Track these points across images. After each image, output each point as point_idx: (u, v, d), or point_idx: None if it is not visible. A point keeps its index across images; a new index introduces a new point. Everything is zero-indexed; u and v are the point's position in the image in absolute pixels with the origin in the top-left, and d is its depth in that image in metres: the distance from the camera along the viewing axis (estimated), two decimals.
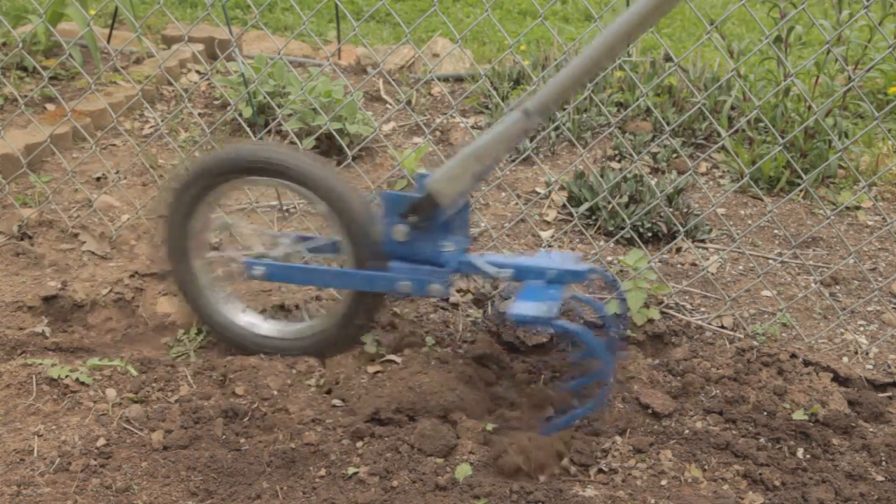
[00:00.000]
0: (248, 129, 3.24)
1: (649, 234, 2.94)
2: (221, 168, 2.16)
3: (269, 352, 2.28)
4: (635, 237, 2.83)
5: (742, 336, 2.50)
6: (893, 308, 2.69)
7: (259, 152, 2.14)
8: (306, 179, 2.11)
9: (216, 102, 3.77)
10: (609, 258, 2.84)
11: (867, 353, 2.47)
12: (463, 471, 1.88)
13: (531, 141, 3.44)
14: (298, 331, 2.31)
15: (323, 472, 1.89)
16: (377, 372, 2.18)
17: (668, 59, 3.86)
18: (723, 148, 3.45)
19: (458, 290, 2.61)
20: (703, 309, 2.63)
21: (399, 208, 2.06)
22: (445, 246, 2.10)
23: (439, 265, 2.10)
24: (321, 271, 2.21)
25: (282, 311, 2.49)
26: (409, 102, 3.81)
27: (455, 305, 2.56)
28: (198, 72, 4.00)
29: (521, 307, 1.91)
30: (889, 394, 2.31)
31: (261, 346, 2.30)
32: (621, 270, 2.70)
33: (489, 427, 2.01)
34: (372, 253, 2.12)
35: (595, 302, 2.18)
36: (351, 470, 1.90)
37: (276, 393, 2.12)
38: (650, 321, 2.51)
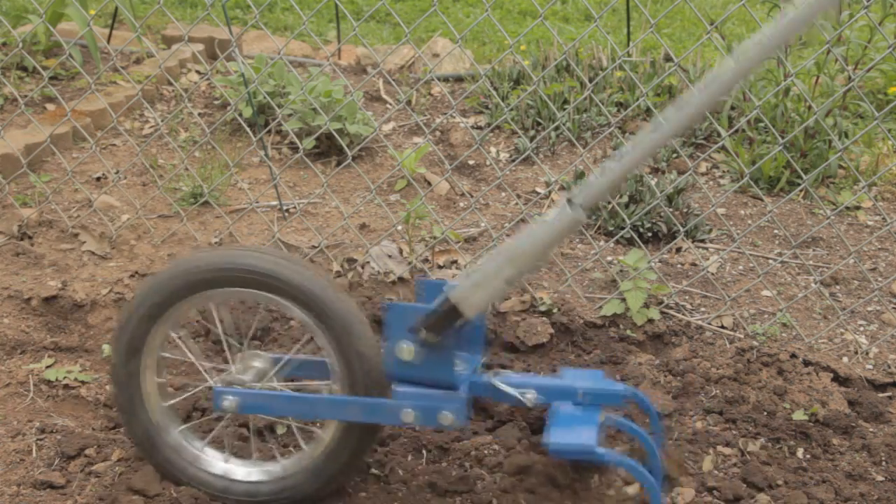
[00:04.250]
0: (248, 129, 3.24)
1: (649, 234, 2.94)
2: (174, 287, 1.77)
3: (225, 498, 1.86)
4: (635, 237, 2.83)
5: (742, 336, 2.50)
6: (893, 308, 2.69)
7: (217, 260, 1.75)
8: (282, 287, 1.74)
9: (216, 102, 3.77)
10: (609, 258, 2.84)
11: (867, 353, 2.47)
12: None
13: (531, 141, 3.44)
14: (266, 472, 1.88)
15: None
16: None
17: (668, 59, 3.86)
18: (723, 148, 3.45)
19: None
20: (703, 309, 2.63)
21: (408, 321, 1.70)
22: (457, 364, 1.76)
23: (451, 388, 1.74)
24: (308, 400, 1.80)
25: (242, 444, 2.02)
26: (409, 102, 3.81)
27: None
28: (198, 72, 4.00)
29: (559, 435, 1.66)
30: (889, 394, 2.31)
31: (214, 489, 1.86)
32: (621, 270, 2.70)
33: None
34: (371, 377, 1.76)
35: (632, 427, 1.82)
36: None
37: None
38: (650, 321, 2.51)
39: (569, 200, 1.60)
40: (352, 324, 1.74)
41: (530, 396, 1.76)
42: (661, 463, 1.80)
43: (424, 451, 2.03)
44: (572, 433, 1.67)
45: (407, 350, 1.71)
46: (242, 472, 1.86)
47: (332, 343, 1.75)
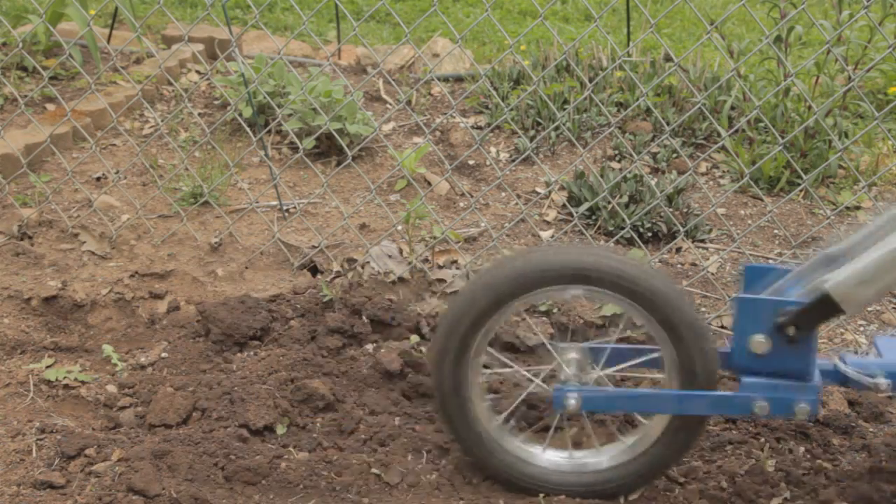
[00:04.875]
0: (248, 129, 3.24)
1: (649, 234, 2.94)
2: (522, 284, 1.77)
3: (544, 490, 1.87)
4: (635, 237, 2.83)
5: None
6: (893, 308, 2.69)
7: (576, 260, 1.75)
8: (631, 291, 1.74)
9: (216, 102, 3.77)
10: None
11: (867, 354, 2.47)
12: None
13: (531, 141, 3.44)
14: (585, 465, 1.89)
15: None
16: None
17: (668, 59, 3.86)
18: (723, 148, 3.45)
19: None
20: (703, 309, 2.63)
21: (767, 315, 1.68)
22: (815, 353, 1.72)
23: (803, 378, 1.72)
24: (655, 396, 1.81)
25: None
26: (409, 102, 3.81)
27: None
28: (198, 72, 4.00)
29: None
30: (889, 394, 2.31)
31: (535, 481, 1.88)
32: None
33: None
34: (711, 371, 1.76)
35: None
36: None
37: None
38: None
39: None
40: (696, 321, 1.73)
41: (882, 383, 1.71)
42: None
43: (424, 452, 2.03)
44: None
45: (762, 343, 1.70)
46: (593, 461, 1.89)
47: (671, 339, 1.75)
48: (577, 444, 1.99)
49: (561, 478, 1.87)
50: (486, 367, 1.91)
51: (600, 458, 1.88)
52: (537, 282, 1.76)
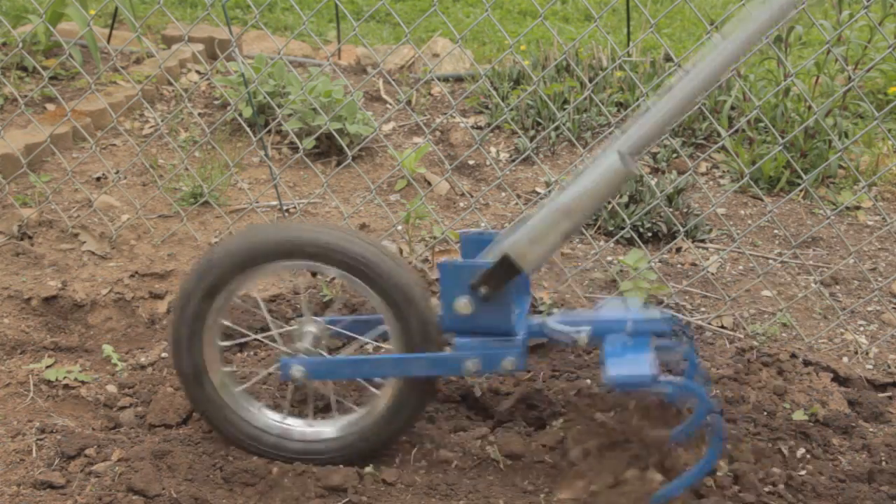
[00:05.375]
0: (248, 129, 3.24)
1: (649, 234, 2.94)
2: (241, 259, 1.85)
3: (293, 458, 1.95)
4: (635, 237, 2.83)
5: (742, 336, 2.50)
6: (893, 308, 2.69)
7: (289, 233, 1.84)
8: (336, 258, 1.82)
9: (216, 102, 3.77)
10: (609, 258, 2.84)
11: (867, 353, 2.47)
12: None
13: (531, 141, 3.44)
14: (332, 430, 1.98)
15: None
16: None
17: (668, 59, 3.86)
18: (723, 148, 3.45)
19: None
20: (703, 309, 2.63)
21: (465, 279, 1.78)
22: (513, 311, 1.82)
23: (508, 334, 1.82)
24: (374, 361, 1.92)
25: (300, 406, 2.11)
26: (409, 102, 3.81)
27: None
28: (198, 72, 4.01)
29: (618, 368, 1.68)
30: (889, 394, 2.31)
31: (281, 451, 1.96)
32: (621, 270, 2.70)
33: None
34: (428, 333, 1.85)
35: (678, 347, 1.89)
36: None
37: None
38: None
39: (619, 153, 1.63)
40: (410, 288, 1.82)
41: (583, 334, 1.79)
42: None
43: (423, 451, 2.03)
44: (629, 366, 1.70)
45: (465, 305, 1.79)
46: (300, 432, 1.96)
47: (389, 307, 1.83)
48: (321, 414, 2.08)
49: (302, 446, 1.96)
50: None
51: (332, 427, 1.97)
52: (257, 258, 1.84)
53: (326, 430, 1.97)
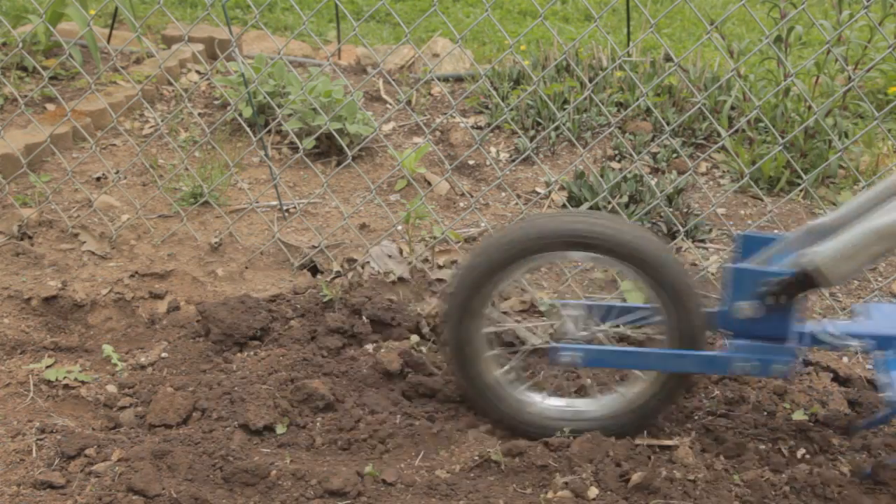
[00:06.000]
0: (248, 129, 3.24)
1: None
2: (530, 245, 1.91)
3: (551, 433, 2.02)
4: None
5: None
6: None
7: (577, 225, 1.88)
8: (630, 254, 1.87)
9: (216, 102, 3.77)
10: None
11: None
12: None
13: (531, 141, 3.44)
14: (584, 411, 2.05)
15: None
16: None
17: (668, 59, 3.86)
18: (723, 148, 3.45)
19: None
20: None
21: (755, 285, 1.81)
22: (794, 318, 1.84)
23: (781, 339, 1.84)
24: (645, 354, 1.96)
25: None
26: (409, 102, 3.81)
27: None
28: (198, 72, 4.01)
29: None
30: None
31: (546, 427, 2.04)
32: (621, 270, 2.70)
33: None
34: (699, 332, 1.90)
35: None
36: None
37: None
38: None
39: None
40: (688, 285, 1.88)
41: (864, 346, 1.83)
42: None
43: (423, 452, 2.03)
44: None
45: (749, 309, 1.83)
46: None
47: (667, 300, 1.89)
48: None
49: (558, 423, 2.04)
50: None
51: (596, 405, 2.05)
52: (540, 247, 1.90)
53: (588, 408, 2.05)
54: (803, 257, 1.77)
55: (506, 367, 2.06)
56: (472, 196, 3.19)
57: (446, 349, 2.05)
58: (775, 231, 1.97)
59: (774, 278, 1.78)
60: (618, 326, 2.08)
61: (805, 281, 1.76)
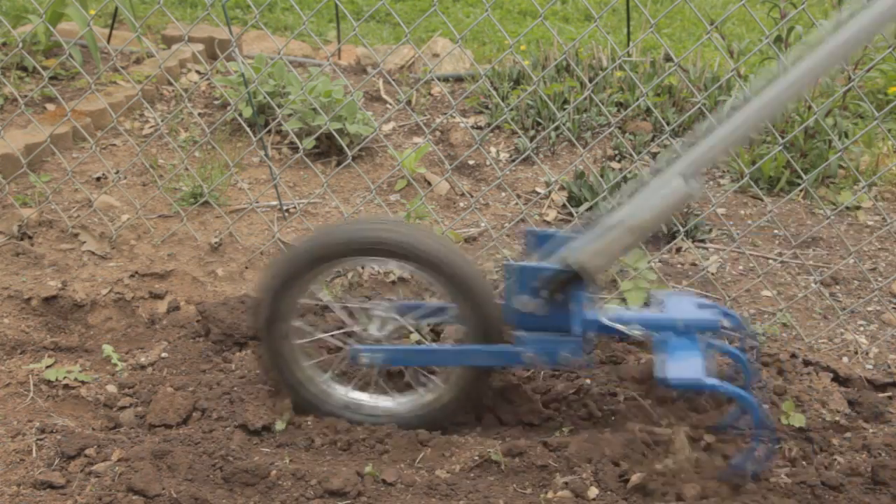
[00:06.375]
0: (248, 129, 3.24)
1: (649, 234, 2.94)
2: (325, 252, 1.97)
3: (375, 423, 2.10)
4: None
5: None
6: (893, 308, 2.69)
7: (367, 232, 1.96)
8: (419, 258, 1.95)
9: (216, 102, 3.77)
10: None
11: (867, 353, 2.47)
12: None
13: (531, 141, 3.44)
14: (407, 402, 2.14)
15: None
16: None
17: (668, 59, 3.86)
18: None
19: None
20: None
21: (531, 281, 1.91)
22: (571, 309, 1.94)
23: (566, 330, 1.94)
24: (440, 351, 2.09)
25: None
26: (409, 102, 3.81)
27: None
28: (198, 72, 4.00)
29: (676, 369, 1.79)
30: (889, 394, 2.31)
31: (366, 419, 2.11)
32: (621, 270, 2.70)
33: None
34: (495, 327, 1.99)
35: (730, 349, 2.02)
36: None
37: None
38: None
39: (682, 175, 1.74)
40: (481, 288, 1.97)
41: (637, 331, 1.92)
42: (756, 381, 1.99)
43: (422, 451, 2.03)
44: (685, 366, 1.81)
45: (529, 304, 1.92)
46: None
47: (462, 302, 1.97)
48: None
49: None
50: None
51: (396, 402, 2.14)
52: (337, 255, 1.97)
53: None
54: (562, 252, 1.88)
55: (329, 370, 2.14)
56: (472, 196, 3.19)
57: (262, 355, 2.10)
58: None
59: (542, 273, 1.89)
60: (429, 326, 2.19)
61: (567, 276, 1.88)
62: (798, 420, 2.12)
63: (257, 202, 3.06)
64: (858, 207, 3.22)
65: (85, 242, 2.80)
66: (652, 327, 1.93)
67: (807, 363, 2.35)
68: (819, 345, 2.50)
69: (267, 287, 2.01)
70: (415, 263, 1.95)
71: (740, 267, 2.87)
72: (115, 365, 2.33)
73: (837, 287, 2.78)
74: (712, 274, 2.77)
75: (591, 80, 3.69)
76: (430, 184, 3.24)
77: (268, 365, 2.10)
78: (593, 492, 1.85)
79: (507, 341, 2.00)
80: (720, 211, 3.15)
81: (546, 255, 1.95)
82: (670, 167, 1.78)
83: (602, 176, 3.08)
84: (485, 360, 2.02)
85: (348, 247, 1.95)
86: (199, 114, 3.67)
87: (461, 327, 2.04)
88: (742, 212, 3.19)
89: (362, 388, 2.16)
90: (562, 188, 3.20)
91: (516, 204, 3.13)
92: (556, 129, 3.51)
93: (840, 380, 2.32)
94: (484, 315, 1.98)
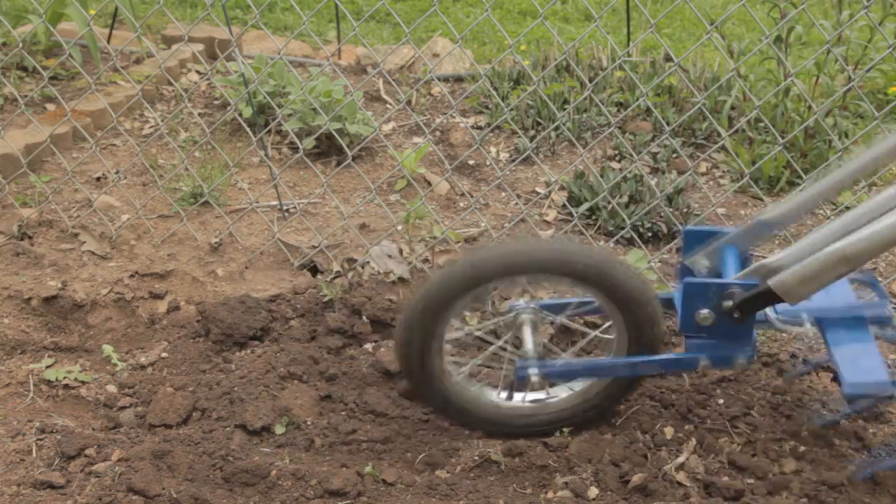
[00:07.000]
0: (248, 129, 3.24)
1: (649, 234, 2.94)
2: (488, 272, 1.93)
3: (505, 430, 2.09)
4: (635, 237, 2.83)
5: None
6: (893, 308, 2.69)
7: (535, 253, 1.93)
8: (593, 280, 1.91)
9: (216, 102, 3.77)
10: None
11: None
12: None
13: (531, 141, 3.44)
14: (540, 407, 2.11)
15: None
16: None
17: (668, 59, 3.86)
18: (723, 148, 3.45)
19: None
20: None
21: (714, 298, 1.84)
22: (753, 327, 1.89)
23: (737, 336, 1.90)
24: (609, 364, 2.02)
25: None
26: (409, 102, 3.81)
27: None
28: (198, 72, 4.00)
29: (856, 375, 1.73)
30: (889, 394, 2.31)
31: (498, 423, 2.10)
32: None
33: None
34: (657, 338, 1.96)
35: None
36: None
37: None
38: None
39: None
40: (643, 295, 1.92)
41: (806, 326, 1.89)
42: None
43: (423, 452, 2.03)
44: (866, 371, 1.74)
45: (708, 318, 1.87)
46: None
47: (620, 313, 1.94)
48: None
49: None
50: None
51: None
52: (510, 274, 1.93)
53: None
54: (758, 270, 1.80)
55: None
56: (472, 196, 3.19)
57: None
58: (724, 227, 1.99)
59: (730, 291, 1.83)
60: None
61: (765, 299, 1.81)
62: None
63: (257, 202, 3.06)
64: None
65: (85, 242, 2.80)
66: (823, 320, 1.88)
67: (806, 363, 2.35)
68: (819, 345, 2.49)
69: (423, 307, 1.97)
70: (595, 288, 1.92)
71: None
72: (115, 365, 2.33)
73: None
74: None
75: (591, 80, 3.69)
76: (430, 184, 3.24)
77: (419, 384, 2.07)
78: (593, 492, 1.86)
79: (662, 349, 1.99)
80: (720, 211, 3.15)
81: (710, 255, 1.92)
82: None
83: (602, 176, 3.08)
84: (658, 369, 2.01)
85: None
86: (199, 114, 3.67)
87: (620, 339, 1.99)
88: (742, 212, 3.19)
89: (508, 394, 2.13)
90: (562, 188, 3.20)
91: (516, 204, 3.13)
92: (556, 129, 3.51)
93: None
94: (646, 329, 1.95)
